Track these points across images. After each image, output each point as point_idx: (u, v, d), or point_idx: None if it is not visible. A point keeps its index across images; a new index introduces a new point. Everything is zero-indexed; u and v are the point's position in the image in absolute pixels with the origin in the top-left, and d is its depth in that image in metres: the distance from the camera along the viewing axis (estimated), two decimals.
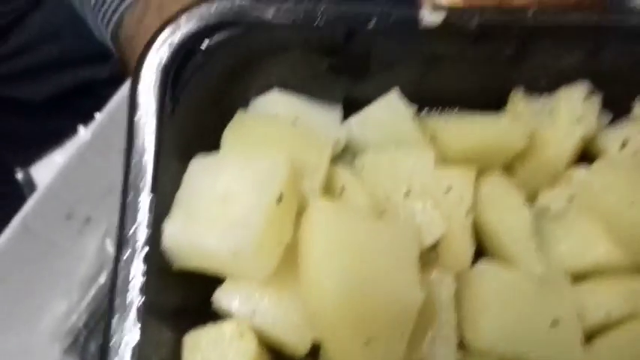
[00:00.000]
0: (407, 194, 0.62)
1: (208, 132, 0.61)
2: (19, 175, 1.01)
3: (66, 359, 0.79)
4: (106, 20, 0.75)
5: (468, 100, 0.66)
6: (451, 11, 0.55)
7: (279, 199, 0.55)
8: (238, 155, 0.60)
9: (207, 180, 0.57)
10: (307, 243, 0.56)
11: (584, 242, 0.62)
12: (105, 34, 0.77)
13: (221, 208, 0.56)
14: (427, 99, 0.66)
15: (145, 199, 0.55)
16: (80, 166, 0.77)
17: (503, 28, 0.56)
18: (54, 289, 0.80)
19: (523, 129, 0.61)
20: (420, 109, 0.67)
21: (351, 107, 0.67)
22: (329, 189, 0.64)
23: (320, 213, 0.57)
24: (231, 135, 0.62)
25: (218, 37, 0.57)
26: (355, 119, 0.66)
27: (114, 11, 0.74)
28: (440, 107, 0.67)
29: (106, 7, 0.75)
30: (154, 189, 0.55)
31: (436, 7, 0.55)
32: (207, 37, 0.57)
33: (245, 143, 0.61)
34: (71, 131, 0.82)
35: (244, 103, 0.65)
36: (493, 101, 0.65)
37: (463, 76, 0.62)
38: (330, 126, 0.67)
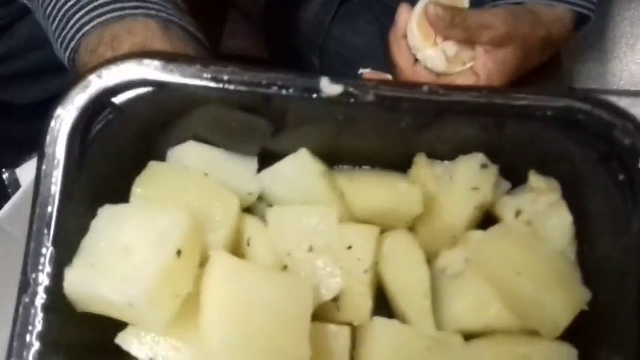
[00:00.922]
0: (310, 249, 0.65)
1: (122, 182, 0.64)
2: (5, 175, 1.04)
3: None
4: (64, 46, 0.77)
5: (376, 160, 0.69)
6: (348, 84, 0.58)
7: (179, 254, 0.58)
8: (143, 207, 0.62)
9: (111, 230, 0.60)
10: (205, 296, 0.59)
11: (477, 303, 0.65)
12: (63, 58, 0.79)
13: (121, 259, 0.58)
14: (338, 156, 0.70)
15: (47, 249, 0.58)
16: None
17: (398, 101, 0.59)
18: None
19: (419, 195, 0.65)
20: (332, 165, 0.70)
21: (269, 159, 0.70)
22: (238, 239, 0.67)
23: (218, 267, 0.60)
24: (141, 185, 0.64)
25: (128, 94, 0.60)
26: (266, 173, 0.69)
27: (71, 39, 0.76)
28: (351, 164, 0.70)
29: (64, 33, 0.77)
30: (56, 241, 0.58)
31: (334, 80, 0.58)
32: (117, 94, 0.60)
33: (154, 194, 0.64)
34: None
35: (161, 155, 0.68)
36: (400, 161, 0.69)
37: (369, 138, 0.65)
38: (244, 177, 0.70)
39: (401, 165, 0.70)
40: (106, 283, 0.57)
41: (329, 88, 0.59)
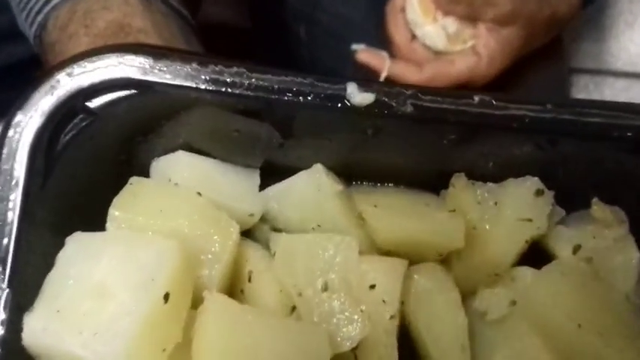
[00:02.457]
0: (324, 288, 0.56)
1: (97, 204, 0.54)
2: None
3: None
4: (30, 20, 0.71)
5: (403, 177, 0.60)
6: (382, 92, 0.49)
7: (166, 298, 0.49)
8: (123, 236, 0.53)
9: (82, 265, 0.51)
10: (198, 348, 0.50)
11: (523, 355, 0.56)
12: (29, 33, 0.73)
13: (95, 304, 0.49)
14: (358, 172, 0.60)
15: (2, 291, 0.48)
16: None
17: (442, 113, 0.49)
18: None
19: (461, 228, 0.55)
20: (349, 182, 0.61)
21: (274, 173, 0.60)
22: (237, 273, 0.58)
23: (213, 313, 0.51)
24: (120, 207, 0.54)
25: (105, 97, 0.50)
26: (273, 191, 0.59)
27: (38, 12, 0.70)
28: (372, 181, 0.61)
29: (30, 5, 0.70)
30: (13, 281, 0.48)
31: (364, 86, 0.48)
32: (92, 97, 0.50)
33: (136, 219, 0.54)
34: None
35: (143, 168, 0.58)
36: (431, 179, 0.59)
37: (398, 153, 0.56)
38: (244, 195, 0.60)
39: (432, 183, 0.60)
40: (74, 335, 0.48)
41: (358, 96, 0.49)
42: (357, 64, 0.97)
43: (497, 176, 0.58)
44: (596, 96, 1.30)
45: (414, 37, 0.93)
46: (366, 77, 0.98)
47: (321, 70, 1.09)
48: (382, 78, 0.95)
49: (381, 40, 0.97)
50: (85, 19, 0.67)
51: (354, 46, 0.99)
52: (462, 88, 0.96)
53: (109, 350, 0.47)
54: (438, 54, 0.92)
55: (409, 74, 0.91)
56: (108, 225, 0.54)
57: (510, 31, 0.89)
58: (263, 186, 0.61)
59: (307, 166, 0.58)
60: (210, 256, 0.54)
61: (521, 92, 1.02)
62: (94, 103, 0.51)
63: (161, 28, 0.69)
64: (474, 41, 0.90)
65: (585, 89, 1.29)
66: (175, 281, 0.50)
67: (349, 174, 0.60)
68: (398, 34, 0.94)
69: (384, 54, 0.96)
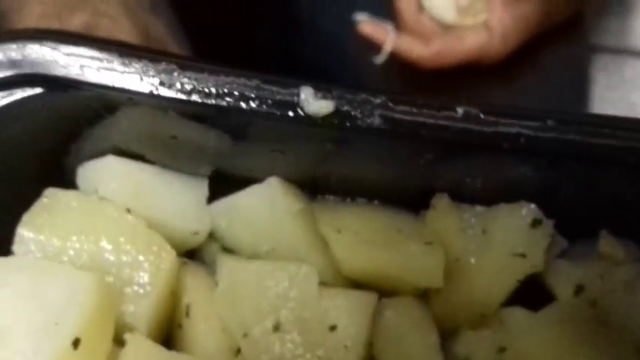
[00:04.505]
0: (275, 328, 0.48)
1: (8, 221, 0.47)
2: None
3: None
4: None
5: (377, 192, 0.52)
6: (345, 99, 0.41)
7: (75, 344, 0.42)
8: (29, 265, 0.45)
9: None
10: None
11: None
12: None
13: None
14: (323, 185, 0.52)
15: None
16: None
17: (417, 128, 0.41)
18: None
19: (440, 266, 0.48)
20: (313, 195, 0.53)
21: (225, 183, 0.53)
22: (173, 304, 0.50)
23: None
24: (30, 226, 0.47)
25: (5, 96, 0.42)
26: (219, 207, 0.52)
27: None
28: (341, 196, 0.53)
29: None
30: None
31: (321, 92, 0.40)
32: None
33: (48, 241, 0.47)
34: None
35: (68, 172, 0.50)
36: (411, 197, 0.52)
37: (368, 167, 0.49)
38: (188, 209, 0.53)
39: (410, 200, 0.52)
40: None
41: (314, 104, 0.41)
42: (359, 35, 0.94)
43: (486, 197, 0.50)
44: (616, 78, 1.27)
45: (421, 8, 0.90)
46: (369, 47, 0.95)
47: (321, 35, 1.04)
48: (386, 52, 0.92)
49: (389, 9, 0.94)
50: None
51: (357, 16, 0.95)
52: (471, 66, 0.91)
53: None
54: (446, 28, 0.90)
55: (415, 49, 0.89)
56: (15, 248, 0.47)
57: (527, 5, 0.85)
58: (213, 197, 0.53)
59: (262, 177, 0.51)
60: (137, 289, 0.47)
61: (535, 73, 0.97)
62: None
63: None
64: (486, 15, 0.87)
65: (604, 70, 1.26)
66: (88, 324, 0.43)
67: (313, 186, 0.53)
68: (404, 5, 0.91)
69: (389, 26, 0.93)
